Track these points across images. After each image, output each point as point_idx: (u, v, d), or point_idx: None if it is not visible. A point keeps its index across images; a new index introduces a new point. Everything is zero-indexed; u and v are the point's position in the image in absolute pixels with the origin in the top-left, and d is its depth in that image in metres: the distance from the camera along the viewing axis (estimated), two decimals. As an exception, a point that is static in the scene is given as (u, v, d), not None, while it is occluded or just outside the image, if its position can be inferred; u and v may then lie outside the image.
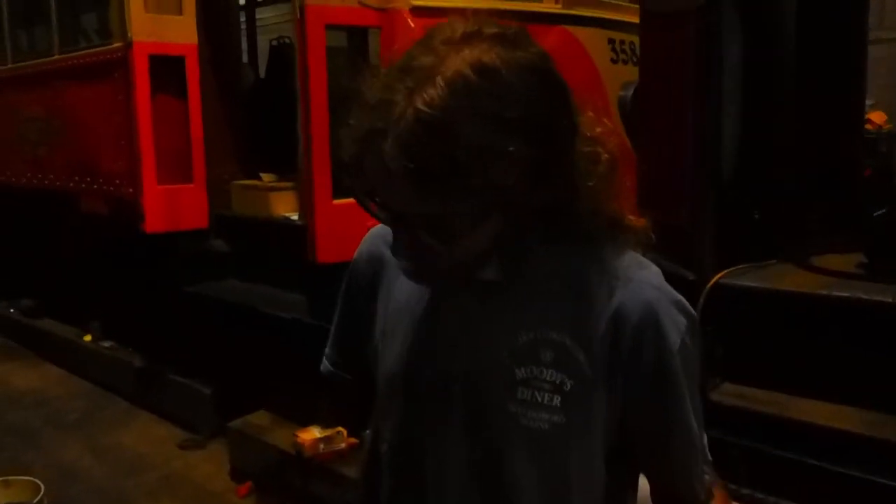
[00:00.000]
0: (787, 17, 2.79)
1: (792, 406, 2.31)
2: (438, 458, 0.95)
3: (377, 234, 1.09)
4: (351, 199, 3.09)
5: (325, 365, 1.17)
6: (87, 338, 5.33)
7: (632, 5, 3.72)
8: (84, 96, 4.56)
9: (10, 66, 5.42)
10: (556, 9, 3.35)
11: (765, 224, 2.69)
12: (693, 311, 0.93)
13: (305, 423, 3.40)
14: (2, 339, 6.24)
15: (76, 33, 5.07)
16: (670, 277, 0.95)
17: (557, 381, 0.89)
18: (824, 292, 2.30)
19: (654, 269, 0.94)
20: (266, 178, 4.27)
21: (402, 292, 1.02)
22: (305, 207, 3.27)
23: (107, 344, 5.20)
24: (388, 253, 1.04)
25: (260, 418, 3.78)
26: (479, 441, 0.92)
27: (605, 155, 0.90)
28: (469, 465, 0.93)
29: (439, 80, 0.76)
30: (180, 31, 4.08)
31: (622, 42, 3.42)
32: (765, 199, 2.70)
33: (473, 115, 0.76)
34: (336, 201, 3.16)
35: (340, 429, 3.25)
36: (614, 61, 3.31)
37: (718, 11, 2.49)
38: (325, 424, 3.31)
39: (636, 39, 3.18)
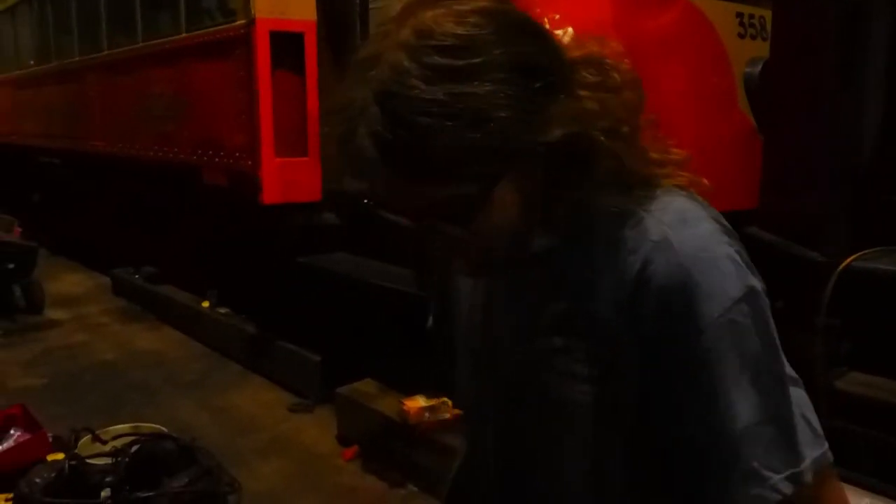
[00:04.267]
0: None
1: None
2: (531, 435, 0.91)
3: None
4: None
5: (430, 321, 1.15)
6: (205, 304, 5.60)
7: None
8: (208, 73, 4.76)
9: (140, 44, 5.71)
10: (680, -18, 3.25)
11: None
12: (759, 287, 0.77)
13: (411, 392, 3.47)
14: (126, 302, 6.66)
15: (201, 13, 5.29)
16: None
17: (593, 351, 0.81)
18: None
19: (706, 225, 0.78)
20: (378, 153, 4.34)
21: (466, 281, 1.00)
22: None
23: (223, 311, 5.44)
24: None
25: (367, 386, 3.87)
26: (540, 415, 0.88)
27: (622, 82, 0.80)
28: (548, 440, 0.88)
29: (384, 58, 0.72)
30: (300, 8, 4.19)
31: (751, 16, 3.28)
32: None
33: (424, 77, 0.70)
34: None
35: (445, 399, 3.29)
36: (742, 36, 3.18)
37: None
38: (430, 394, 3.36)
39: (767, 14, 3.04)
